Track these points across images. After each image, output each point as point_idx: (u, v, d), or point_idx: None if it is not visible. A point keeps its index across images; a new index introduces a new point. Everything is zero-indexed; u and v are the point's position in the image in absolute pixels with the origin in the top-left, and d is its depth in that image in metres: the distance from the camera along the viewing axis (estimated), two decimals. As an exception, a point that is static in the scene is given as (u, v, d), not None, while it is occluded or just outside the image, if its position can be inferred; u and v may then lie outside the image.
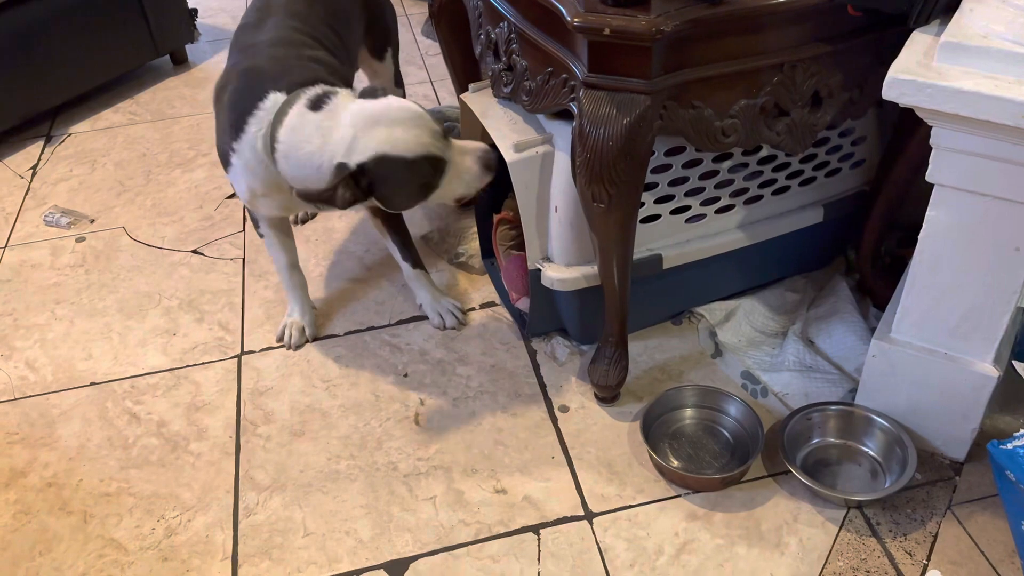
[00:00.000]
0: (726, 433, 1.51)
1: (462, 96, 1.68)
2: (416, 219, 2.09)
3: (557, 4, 1.23)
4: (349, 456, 1.53)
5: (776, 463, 1.46)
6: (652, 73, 1.22)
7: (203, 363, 1.75)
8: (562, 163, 1.47)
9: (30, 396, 1.69)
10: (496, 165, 1.46)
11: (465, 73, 1.89)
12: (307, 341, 1.78)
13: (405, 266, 1.80)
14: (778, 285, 1.78)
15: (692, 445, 1.50)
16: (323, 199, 1.36)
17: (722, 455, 1.48)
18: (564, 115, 1.45)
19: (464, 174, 1.44)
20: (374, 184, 1.38)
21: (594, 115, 1.24)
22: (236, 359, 1.75)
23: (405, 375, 1.69)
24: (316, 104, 1.40)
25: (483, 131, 1.75)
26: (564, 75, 1.34)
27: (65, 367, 1.75)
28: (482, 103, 1.61)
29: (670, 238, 1.56)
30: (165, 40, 2.77)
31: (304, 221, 2.10)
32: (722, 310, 1.73)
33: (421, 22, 3.09)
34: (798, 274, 1.79)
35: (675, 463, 1.47)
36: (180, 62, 2.90)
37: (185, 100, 2.69)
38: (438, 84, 2.69)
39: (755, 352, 1.66)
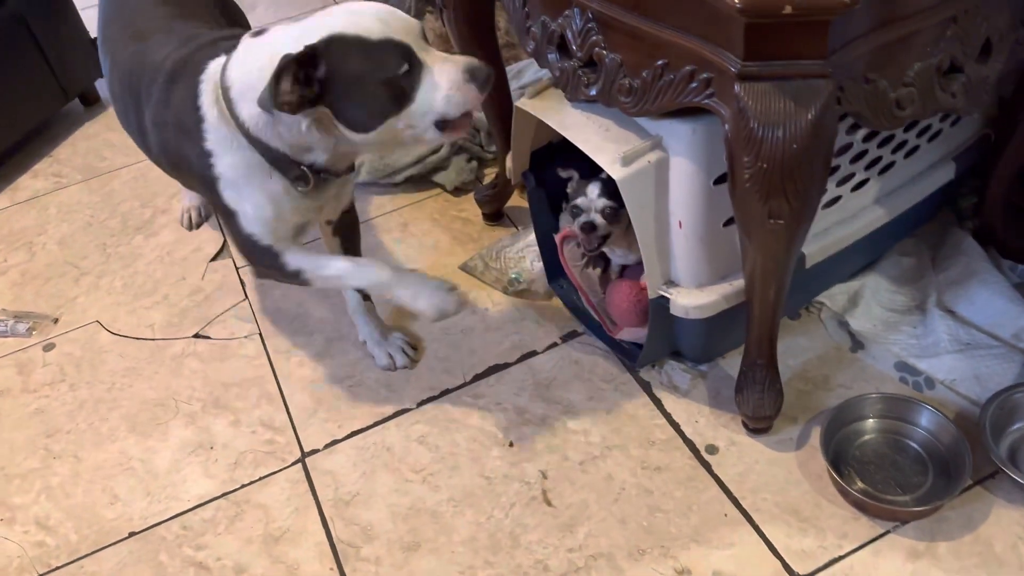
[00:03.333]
0: (914, 445, 1.31)
1: (518, 104, 1.39)
2: (444, 244, 1.80)
3: (702, -17, 0.97)
4: (484, 564, 1.27)
5: (978, 466, 1.27)
6: (829, 50, 0.97)
7: (260, 479, 1.44)
8: (681, 169, 1.21)
9: (57, 568, 1.35)
10: (491, 82, 1.18)
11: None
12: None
13: (354, 297, 1.56)
14: (889, 252, 1.58)
15: (880, 467, 1.29)
16: (264, 105, 1.12)
17: (918, 472, 1.28)
18: (674, 113, 1.19)
19: (446, 85, 1.15)
20: (327, 78, 1.11)
21: (765, 113, 0.99)
22: (299, 464, 1.45)
23: (510, 444, 1.42)
24: (259, 32, 1.20)
25: (533, 138, 1.48)
26: (689, 67, 1.07)
27: (88, 519, 1.41)
28: (554, 111, 1.32)
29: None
30: (72, 80, 2.34)
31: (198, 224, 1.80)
32: (844, 294, 1.52)
33: None
34: (906, 235, 1.59)
35: (861, 486, 1.26)
36: (92, 102, 2.46)
37: (115, 148, 2.28)
38: (405, 79, 2.36)
39: (897, 336, 1.46)
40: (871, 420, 1.33)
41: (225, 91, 1.19)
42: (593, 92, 1.23)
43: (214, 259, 1.88)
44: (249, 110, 1.18)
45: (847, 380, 1.42)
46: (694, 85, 1.08)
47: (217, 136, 1.23)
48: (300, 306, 1.73)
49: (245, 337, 1.69)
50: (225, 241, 1.92)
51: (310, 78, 1.11)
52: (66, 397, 1.63)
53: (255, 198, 1.28)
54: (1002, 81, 1.41)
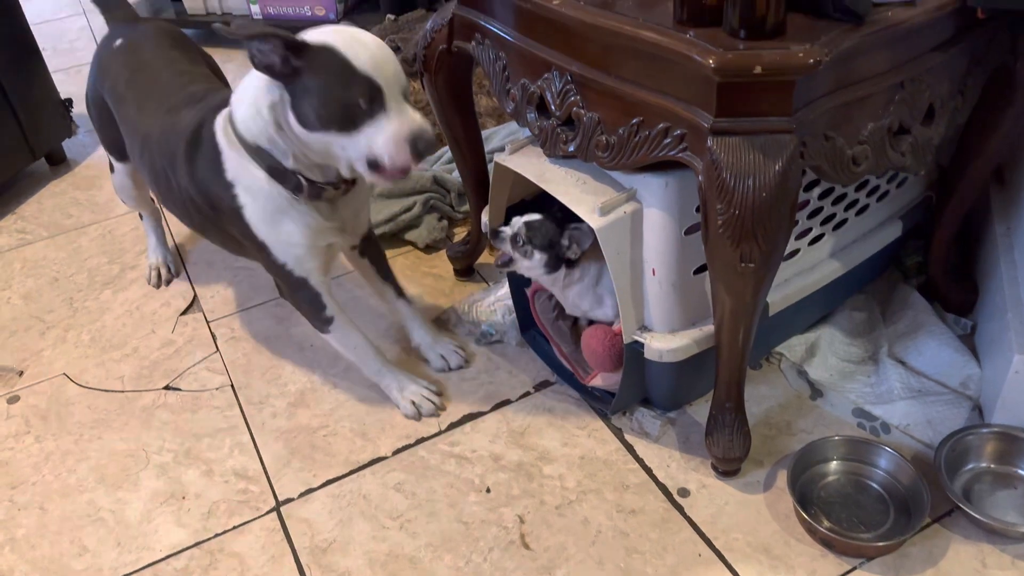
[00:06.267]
0: (875, 485, 1.37)
1: (498, 159, 1.46)
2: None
3: (673, 47, 1.06)
4: (465, 606, 1.28)
5: (935, 505, 1.33)
6: (793, 109, 1.07)
7: (235, 527, 1.43)
8: (654, 220, 1.29)
9: (22, 621, 1.32)
10: (426, 153, 1.29)
11: (467, 136, 1.66)
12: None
13: (401, 304, 1.69)
14: (841, 307, 1.67)
15: (844, 506, 1.35)
16: (238, 32, 1.21)
17: (880, 510, 1.34)
18: (648, 167, 1.27)
19: (389, 135, 1.26)
20: (301, 69, 1.24)
21: (736, 165, 1.07)
22: (274, 513, 1.44)
23: (487, 490, 1.44)
24: None
25: (509, 194, 1.56)
26: (664, 124, 1.16)
27: (56, 570, 1.38)
28: (533, 166, 1.40)
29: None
30: (41, 140, 2.36)
31: (168, 281, 2.00)
32: (802, 345, 1.60)
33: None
34: (857, 291, 1.69)
35: (827, 524, 1.31)
36: (58, 162, 2.48)
37: (82, 206, 2.30)
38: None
39: (853, 384, 1.54)
40: (834, 462, 1.39)
41: (231, 120, 1.36)
42: (571, 148, 1.31)
43: (184, 313, 1.89)
44: (242, 117, 1.33)
45: (808, 425, 1.49)
46: (668, 140, 1.17)
47: (232, 164, 1.38)
48: (272, 359, 1.74)
49: (216, 389, 1.69)
50: (195, 295, 1.93)
51: (287, 60, 1.23)
52: (31, 449, 1.60)
53: (279, 224, 1.41)
54: (942, 150, 1.54)
